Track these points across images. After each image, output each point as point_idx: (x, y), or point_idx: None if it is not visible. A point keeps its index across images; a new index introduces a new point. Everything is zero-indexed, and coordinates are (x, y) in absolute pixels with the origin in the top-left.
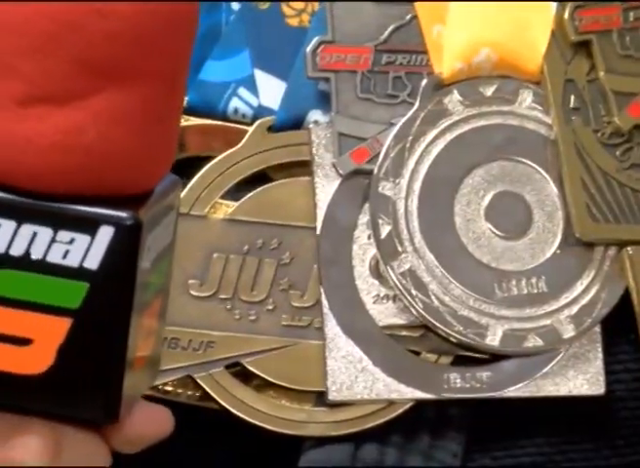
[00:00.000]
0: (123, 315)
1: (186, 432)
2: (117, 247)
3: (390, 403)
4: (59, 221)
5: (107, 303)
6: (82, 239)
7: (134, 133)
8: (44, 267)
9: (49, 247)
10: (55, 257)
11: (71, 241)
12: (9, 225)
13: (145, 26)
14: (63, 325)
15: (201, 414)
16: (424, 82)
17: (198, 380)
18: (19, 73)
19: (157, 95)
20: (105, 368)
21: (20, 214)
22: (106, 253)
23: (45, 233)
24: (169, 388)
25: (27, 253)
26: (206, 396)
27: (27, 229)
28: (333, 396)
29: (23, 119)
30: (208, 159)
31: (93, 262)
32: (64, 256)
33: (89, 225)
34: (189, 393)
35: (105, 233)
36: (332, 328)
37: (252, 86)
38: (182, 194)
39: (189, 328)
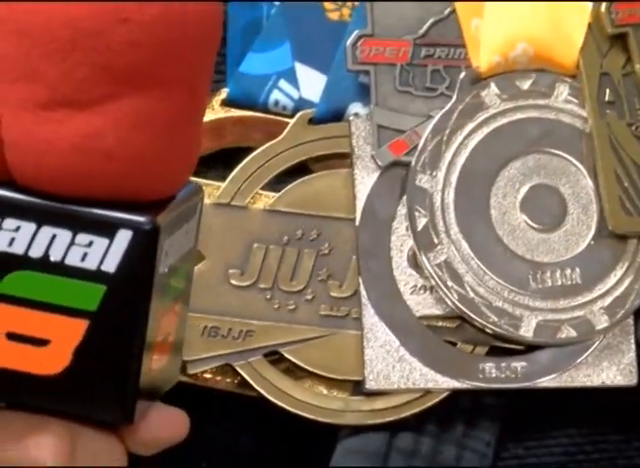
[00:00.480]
0: (140, 318)
1: (224, 419)
2: (135, 250)
3: (426, 392)
4: (78, 224)
5: (124, 306)
6: (100, 242)
7: (154, 139)
8: (62, 269)
9: (68, 249)
10: (73, 260)
11: (90, 244)
12: (29, 227)
13: (167, 35)
14: (80, 326)
15: (239, 402)
16: (462, 75)
17: (237, 368)
18: (42, 77)
19: (177, 102)
20: (121, 370)
21: (40, 217)
22: (124, 257)
23: (64, 236)
24: (208, 375)
25: (46, 255)
26: (244, 384)
27: (47, 231)
28: (370, 385)
29: (45, 122)
30: (248, 150)
31: (110, 265)
32: (83, 259)
33: (107, 229)
34: (228, 380)
35: (123, 237)
36: (370, 318)
37: (292, 78)
38: (224, 185)
39: (229, 316)
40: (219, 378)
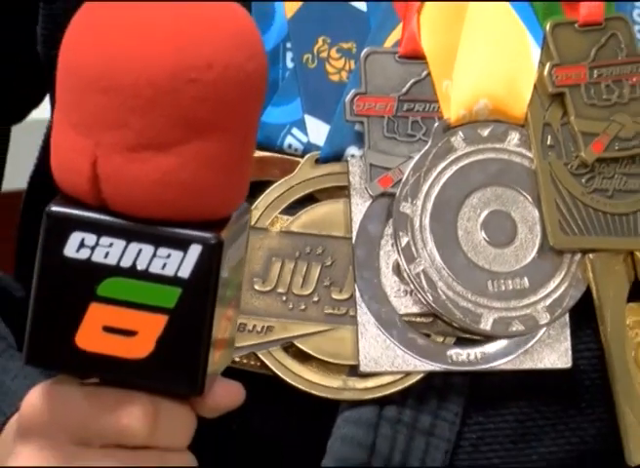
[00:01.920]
0: (208, 312)
1: (248, 395)
2: (204, 260)
3: (407, 373)
4: (158, 241)
5: (196, 303)
6: (176, 254)
7: (217, 173)
8: (147, 276)
9: (151, 260)
10: (155, 268)
11: (168, 256)
12: (120, 243)
13: (227, 91)
14: (161, 320)
15: (261, 381)
16: (436, 125)
17: (260, 356)
18: (130, 126)
19: (234, 143)
20: (193, 353)
21: (129, 235)
22: (195, 266)
23: (148, 250)
24: (237, 359)
25: (134, 265)
26: (265, 367)
27: (134, 247)
28: (363, 368)
29: (132, 161)
30: (268, 183)
31: (185, 272)
32: (163, 268)
33: (182, 244)
34: (252, 363)
35: (195, 250)
36: (363, 315)
37: (303, 127)
38: None
39: (254, 315)
40: (245, 362)
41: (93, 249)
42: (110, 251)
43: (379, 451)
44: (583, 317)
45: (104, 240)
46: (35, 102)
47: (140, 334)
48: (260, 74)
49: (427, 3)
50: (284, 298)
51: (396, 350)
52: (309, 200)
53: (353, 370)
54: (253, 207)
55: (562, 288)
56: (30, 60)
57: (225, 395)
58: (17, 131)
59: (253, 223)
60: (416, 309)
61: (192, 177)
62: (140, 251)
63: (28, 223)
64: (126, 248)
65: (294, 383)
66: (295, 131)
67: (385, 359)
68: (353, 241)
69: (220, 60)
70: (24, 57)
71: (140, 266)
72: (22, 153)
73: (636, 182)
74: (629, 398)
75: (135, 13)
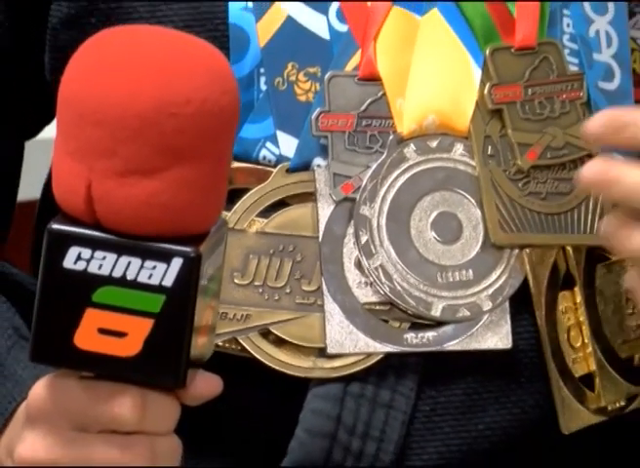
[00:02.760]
0: (188, 316)
1: (227, 375)
2: (185, 271)
3: (369, 355)
4: (145, 254)
5: (178, 308)
6: (161, 266)
7: (194, 194)
8: (135, 285)
9: (139, 271)
10: (142, 278)
11: (154, 267)
12: (111, 257)
13: (203, 124)
14: (148, 323)
15: (242, 363)
16: (391, 138)
17: (240, 340)
18: (119, 154)
19: (210, 168)
20: (176, 352)
21: (119, 249)
22: (177, 276)
23: (136, 262)
24: (220, 344)
25: (124, 275)
26: (244, 350)
27: (124, 259)
28: (330, 350)
29: (121, 185)
30: (246, 190)
31: (168, 281)
32: (149, 277)
33: (166, 257)
34: (233, 347)
35: (177, 262)
36: (329, 304)
37: (275, 141)
38: (229, 214)
39: (234, 305)
40: (227, 346)
41: (88, 261)
42: (103, 263)
43: (344, 423)
44: (522, 304)
45: (98, 253)
46: (47, 121)
47: (130, 335)
48: (233, 107)
49: (382, 31)
50: (260, 290)
51: (358, 334)
52: (281, 204)
53: (321, 352)
54: (232, 211)
55: (502, 278)
56: (40, 84)
57: (205, 387)
58: (31, 146)
59: (232, 225)
60: (375, 299)
61: (173, 199)
62: (129, 263)
63: (41, 230)
64: (117, 260)
65: (270, 364)
66: (268, 144)
67: (349, 342)
68: (320, 240)
69: (198, 96)
70: (35, 81)
71: (130, 276)
72: (41, 166)
73: (566, 186)
74: (563, 374)
75: (124, 55)
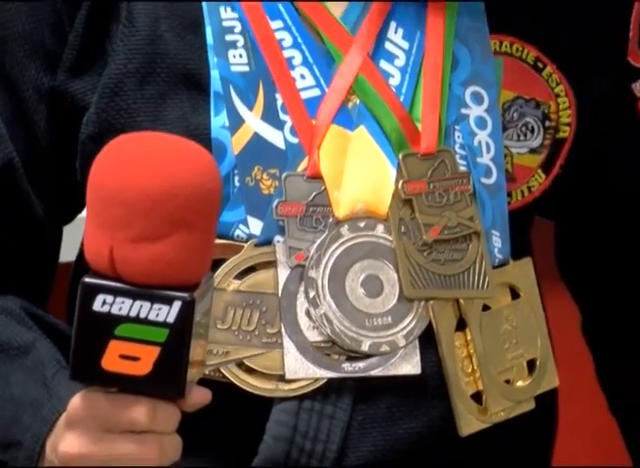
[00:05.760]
0: (186, 344)
1: (213, 395)
2: (183, 311)
3: (316, 379)
4: (153, 299)
5: (178, 339)
6: (165, 307)
7: (191, 254)
8: (146, 321)
9: (149, 311)
10: (152, 316)
11: (160, 308)
12: (128, 301)
13: (197, 203)
14: (156, 350)
15: (223, 386)
16: (330, 220)
17: (221, 369)
18: (134, 226)
19: (202, 234)
20: (177, 371)
21: (134, 296)
22: (178, 314)
23: (146, 305)
24: (207, 373)
25: (138, 315)
26: (225, 377)
27: (138, 303)
28: (288, 376)
29: (136, 249)
30: (225, 260)
31: (171, 318)
32: (156, 316)
33: (168, 300)
34: (217, 375)
35: (177, 304)
36: (287, 343)
37: (246, 224)
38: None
39: (217, 344)
40: (212, 374)
41: (111, 305)
42: (122, 306)
43: (299, 430)
44: (428, 341)
45: (119, 299)
46: (77, 211)
47: (143, 359)
48: (218, 191)
49: (323, 143)
50: (236, 333)
51: (309, 365)
52: (251, 270)
53: (282, 378)
54: (215, 275)
55: (413, 323)
56: (73, 182)
57: (198, 397)
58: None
59: (215, 285)
60: (320, 338)
61: (175, 258)
62: (141, 305)
63: (75, 286)
64: (132, 304)
65: (244, 387)
66: (241, 226)
67: (302, 371)
68: (279, 295)
69: (193, 183)
70: (69, 180)
71: (142, 315)
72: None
73: (459, 255)
74: (459, 393)
75: (137, 153)
